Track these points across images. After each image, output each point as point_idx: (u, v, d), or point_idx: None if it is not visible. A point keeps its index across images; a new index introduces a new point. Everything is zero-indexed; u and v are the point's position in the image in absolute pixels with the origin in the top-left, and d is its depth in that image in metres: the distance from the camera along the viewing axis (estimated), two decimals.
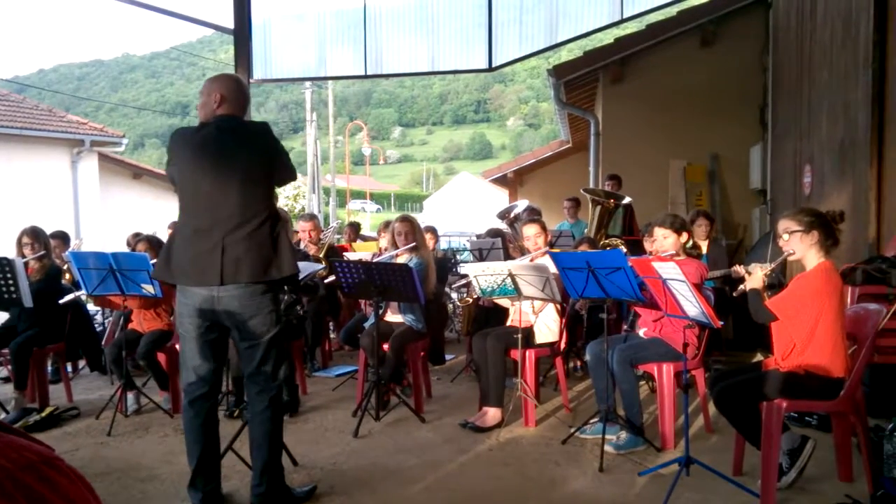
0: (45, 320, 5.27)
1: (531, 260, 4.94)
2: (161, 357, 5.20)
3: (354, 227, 10.40)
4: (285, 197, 27.62)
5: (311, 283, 5.51)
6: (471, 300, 6.01)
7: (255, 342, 3.24)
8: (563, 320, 4.98)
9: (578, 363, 6.24)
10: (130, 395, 5.13)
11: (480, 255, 6.91)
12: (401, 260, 5.19)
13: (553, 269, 4.40)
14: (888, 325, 3.93)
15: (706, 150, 9.64)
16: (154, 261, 4.43)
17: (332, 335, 7.43)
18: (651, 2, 7.94)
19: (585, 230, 7.82)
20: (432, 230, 7.03)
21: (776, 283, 4.97)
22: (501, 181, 17.14)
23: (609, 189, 8.24)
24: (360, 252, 7.51)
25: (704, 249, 6.11)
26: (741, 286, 3.52)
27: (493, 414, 4.63)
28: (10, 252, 5.26)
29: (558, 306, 4.86)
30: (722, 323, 3.91)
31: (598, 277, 3.96)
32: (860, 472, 3.46)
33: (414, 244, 5.22)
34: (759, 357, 5.95)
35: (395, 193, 62.80)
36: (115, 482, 3.78)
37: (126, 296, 4.89)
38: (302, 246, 6.39)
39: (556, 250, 5.18)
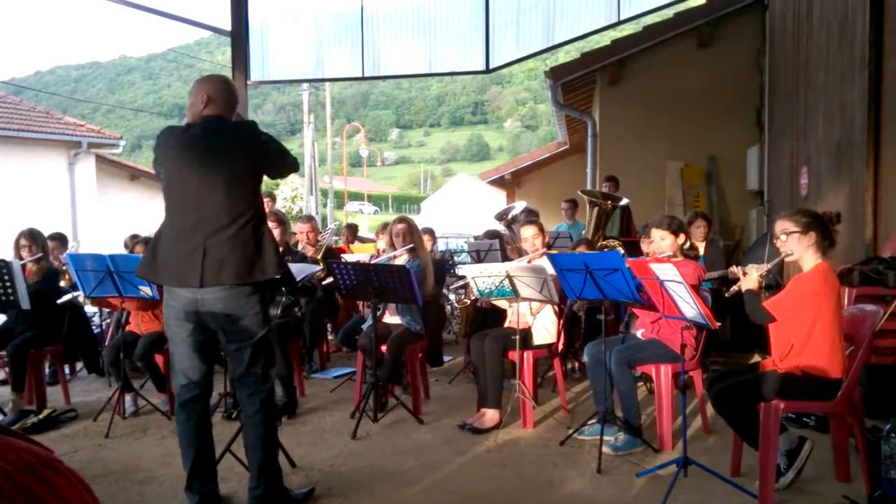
0: (43, 322, 5.27)
1: (529, 261, 4.94)
2: (159, 359, 5.19)
3: (352, 229, 10.40)
4: (283, 199, 27.62)
5: (308, 285, 5.50)
6: (469, 301, 6.02)
7: (241, 345, 3.21)
8: (561, 322, 4.98)
9: (576, 364, 6.24)
10: (128, 397, 5.12)
11: (478, 256, 6.91)
12: (399, 261, 5.19)
13: (551, 270, 4.40)
14: (885, 326, 3.93)
15: (703, 151, 9.65)
16: None
17: (329, 337, 7.43)
18: (648, 4, 7.96)
19: (583, 231, 7.83)
20: (430, 232, 7.04)
21: (774, 284, 4.97)
22: (499, 183, 17.16)
23: (606, 190, 8.25)
24: (358, 254, 7.50)
25: (702, 251, 6.12)
26: (733, 287, 3.53)
27: (491, 415, 4.63)
28: (8, 254, 5.25)
29: (556, 308, 4.86)
30: (719, 324, 3.91)
31: (595, 279, 3.96)
32: (858, 473, 3.46)
33: (412, 245, 5.22)
34: (756, 358, 5.95)
35: (392, 195, 62.80)
36: (112, 484, 3.78)
37: (124, 297, 4.88)
38: (300, 247, 6.38)
39: (553, 252, 5.18)
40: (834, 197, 6.24)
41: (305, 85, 27.47)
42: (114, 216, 15.13)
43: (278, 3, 9.02)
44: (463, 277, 5.36)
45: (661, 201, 9.50)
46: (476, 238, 8.00)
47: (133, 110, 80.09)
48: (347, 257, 6.89)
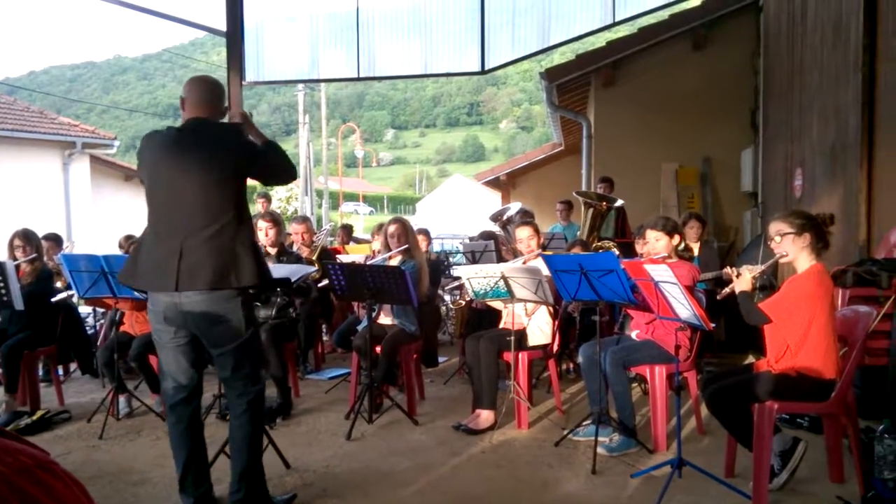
0: (37, 323, 5.25)
1: (524, 262, 4.94)
2: (153, 360, 5.16)
3: (347, 230, 10.39)
4: (278, 199, 27.56)
5: (303, 286, 5.50)
6: (464, 302, 6.02)
7: (224, 349, 3.16)
8: (556, 322, 4.98)
9: (571, 365, 6.24)
10: (122, 399, 5.11)
11: (473, 257, 6.91)
12: (394, 262, 5.19)
13: (546, 271, 4.41)
14: (878, 327, 3.96)
15: (698, 152, 9.68)
16: None
17: (324, 338, 7.42)
18: (643, 5, 7.97)
19: (578, 233, 7.84)
20: (425, 232, 7.04)
21: (768, 285, 4.99)
22: (494, 184, 17.18)
23: (601, 192, 8.26)
24: (353, 254, 7.50)
25: (696, 252, 6.13)
26: (725, 289, 3.54)
27: (485, 416, 4.63)
28: (2, 255, 5.24)
29: (551, 309, 4.87)
30: (714, 325, 3.92)
31: (590, 280, 3.97)
32: (851, 474, 3.47)
33: (406, 246, 5.23)
34: (750, 359, 5.97)
35: (387, 196, 62.78)
36: (106, 486, 3.77)
37: (118, 298, 4.87)
38: (295, 248, 6.37)
39: (548, 253, 5.19)
40: (828, 198, 6.26)
41: (301, 85, 27.41)
42: (108, 217, 15.09)
43: (273, 3, 9.01)
44: (458, 278, 5.36)
45: (655, 203, 9.52)
46: (471, 239, 8.01)
47: (128, 111, 79.88)
48: (342, 258, 6.89)
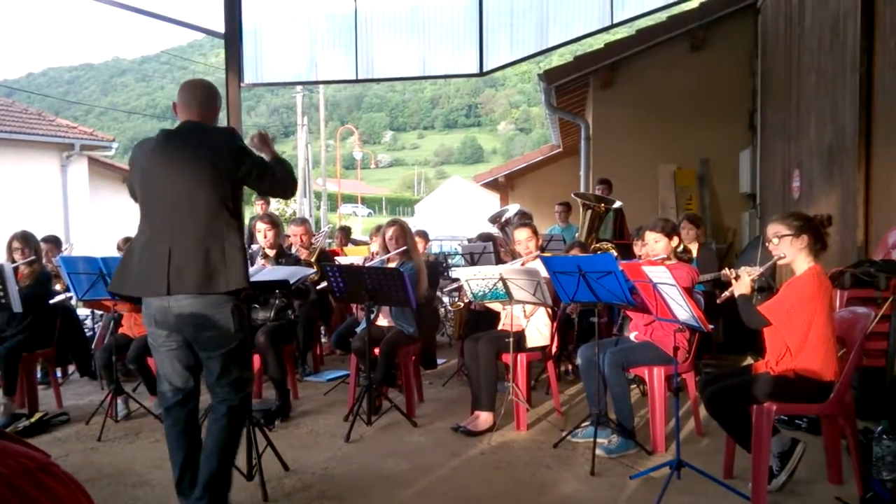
0: (35, 325, 5.24)
1: (522, 264, 4.95)
2: (151, 362, 5.16)
3: (346, 232, 10.39)
4: (276, 201, 27.58)
5: (302, 288, 5.50)
6: (462, 304, 6.02)
7: (211, 354, 3.14)
8: (555, 324, 4.99)
9: (570, 367, 6.25)
10: (120, 401, 5.10)
11: (472, 259, 6.92)
12: (392, 264, 5.19)
13: (544, 273, 4.41)
14: (876, 328, 3.96)
15: (696, 154, 9.68)
16: None
17: (323, 339, 7.42)
18: (641, 7, 7.99)
19: (576, 234, 7.85)
20: (422, 234, 7.04)
21: (766, 287, 4.99)
22: (493, 185, 17.19)
23: (600, 193, 8.27)
24: (352, 256, 7.50)
25: (695, 253, 6.13)
26: (726, 293, 3.54)
27: (484, 418, 4.63)
28: (0, 257, 5.23)
29: (549, 310, 4.87)
30: (712, 326, 3.93)
31: (588, 281, 3.97)
32: (850, 475, 3.48)
33: (405, 248, 5.23)
34: (749, 360, 5.97)
35: (386, 197, 62.80)
36: (105, 488, 3.76)
37: (116, 300, 4.87)
38: (293, 250, 6.37)
39: (547, 254, 5.20)
40: (826, 200, 6.28)
41: (299, 87, 27.41)
42: (106, 218, 15.07)
43: (272, 5, 9.02)
44: (457, 280, 5.37)
45: (654, 204, 9.53)
46: (470, 241, 8.01)
47: (126, 112, 79.91)
48: (341, 260, 6.89)
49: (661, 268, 3.65)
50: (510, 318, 4.74)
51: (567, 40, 8.23)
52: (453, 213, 40.27)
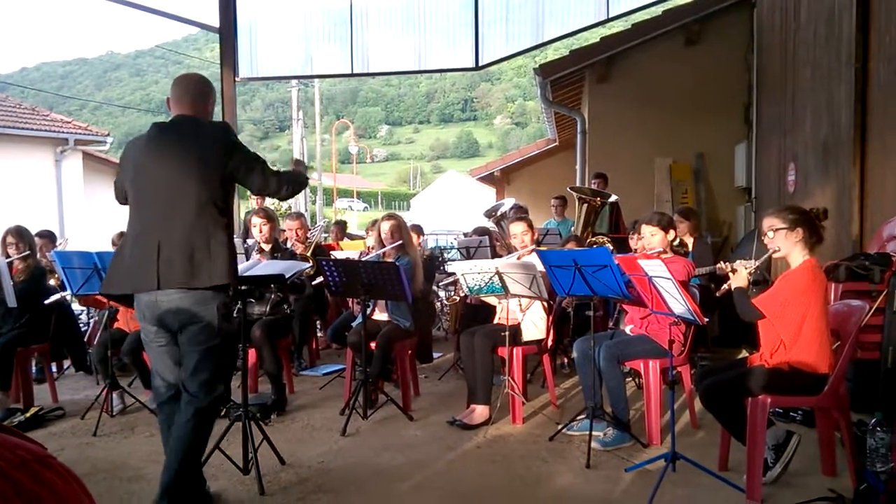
0: (30, 320, 5.23)
1: (518, 258, 4.95)
2: (147, 356, 5.17)
3: (341, 226, 10.38)
4: None
5: (297, 282, 5.49)
6: (458, 298, 6.02)
7: (190, 349, 3.12)
8: (551, 318, 4.99)
9: (565, 360, 6.26)
10: (116, 395, 5.09)
11: (468, 253, 6.92)
12: (388, 259, 5.19)
13: (540, 266, 4.41)
14: (871, 321, 3.98)
15: (692, 148, 9.70)
16: None
17: (319, 334, 7.42)
18: (636, 1, 8.00)
19: (572, 228, 7.85)
20: (417, 228, 7.04)
21: (761, 280, 5.01)
22: (488, 179, 17.20)
23: (595, 187, 8.27)
24: (348, 251, 7.49)
25: (690, 247, 6.14)
26: (724, 285, 3.55)
27: (480, 411, 4.64)
28: None
29: (545, 304, 4.87)
30: (707, 319, 3.94)
31: (584, 275, 3.98)
32: (844, 467, 3.49)
33: (401, 242, 5.22)
34: (744, 353, 5.99)
35: (382, 192, 62.69)
36: (101, 482, 3.76)
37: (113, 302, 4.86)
38: (289, 244, 6.37)
39: (543, 248, 5.20)
40: (821, 193, 6.29)
41: (294, 81, 27.37)
42: (101, 213, 15.01)
43: None
44: (453, 274, 5.36)
45: (649, 198, 9.54)
46: (466, 235, 8.01)
47: (120, 107, 79.50)
48: (337, 254, 6.88)
49: (656, 261, 3.66)
50: (506, 311, 4.74)
51: (563, 34, 8.24)
52: (449, 207, 40.20)
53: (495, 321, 5.11)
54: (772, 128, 8.21)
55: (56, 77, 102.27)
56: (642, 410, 4.47)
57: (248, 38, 8.76)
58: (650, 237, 4.39)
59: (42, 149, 14.59)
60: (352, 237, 10.17)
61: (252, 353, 4.98)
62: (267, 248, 5.55)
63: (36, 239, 5.71)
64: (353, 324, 5.32)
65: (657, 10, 9.25)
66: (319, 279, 5.79)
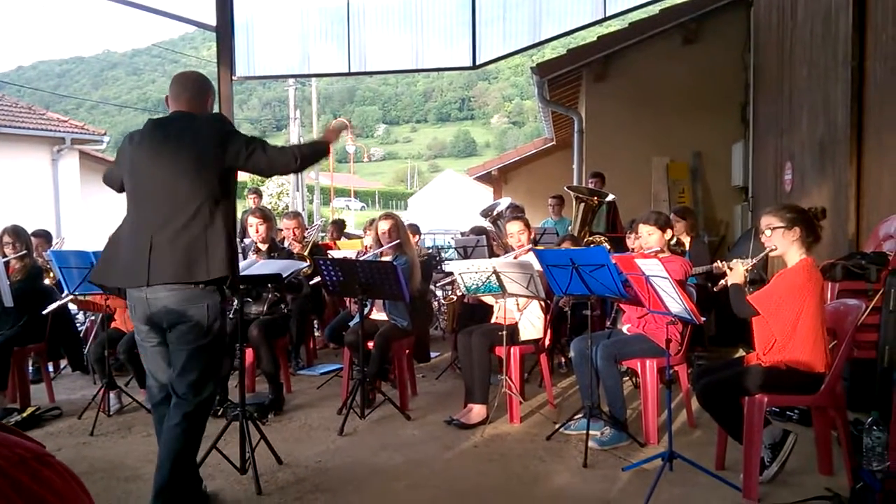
0: (27, 320, 5.22)
1: (515, 257, 4.95)
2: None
3: (339, 225, 10.38)
4: (269, 195, 27.52)
5: (295, 282, 5.49)
6: (455, 297, 6.02)
7: (179, 348, 3.08)
8: (548, 317, 4.99)
9: (563, 360, 6.26)
10: (113, 395, 5.09)
11: (465, 252, 6.92)
12: (386, 258, 5.19)
13: (537, 266, 4.42)
14: (867, 320, 3.99)
15: (688, 147, 9.71)
16: None
17: (316, 333, 7.42)
18: (633, 0, 7.99)
19: (569, 227, 7.86)
20: (413, 228, 7.04)
21: (758, 279, 5.02)
22: (486, 179, 17.20)
23: (592, 186, 8.28)
24: (345, 250, 7.49)
25: (687, 246, 6.15)
26: (722, 281, 3.56)
27: (477, 410, 4.64)
28: None
29: (542, 303, 4.88)
30: (704, 319, 3.94)
31: (581, 274, 3.98)
32: (840, 465, 3.50)
33: (398, 241, 5.22)
34: (740, 352, 6.00)
35: (379, 191, 62.68)
36: (98, 482, 3.75)
37: (108, 295, 4.85)
38: (286, 244, 6.36)
39: (540, 247, 5.20)
40: (818, 193, 6.30)
41: (291, 80, 27.37)
42: (98, 213, 14.99)
43: None
44: (450, 273, 5.37)
45: (646, 197, 9.56)
46: (463, 234, 8.01)
47: (117, 106, 79.34)
48: (334, 254, 6.88)
49: (653, 261, 3.66)
50: (503, 311, 4.74)
51: (560, 33, 8.23)
52: (446, 206, 40.20)
53: (492, 321, 5.11)
54: (768, 127, 8.22)
55: (53, 76, 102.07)
56: (639, 410, 4.47)
57: (245, 37, 8.75)
58: (647, 236, 4.39)
59: (38, 148, 14.56)
60: (349, 236, 10.17)
61: (249, 352, 4.98)
62: (264, 247, 5.54)
63: (32, 238, 5.69)
64: (351, 323, 5.31)
65: (654, 9, 9.26)
66: (317, 279, 5.79)
